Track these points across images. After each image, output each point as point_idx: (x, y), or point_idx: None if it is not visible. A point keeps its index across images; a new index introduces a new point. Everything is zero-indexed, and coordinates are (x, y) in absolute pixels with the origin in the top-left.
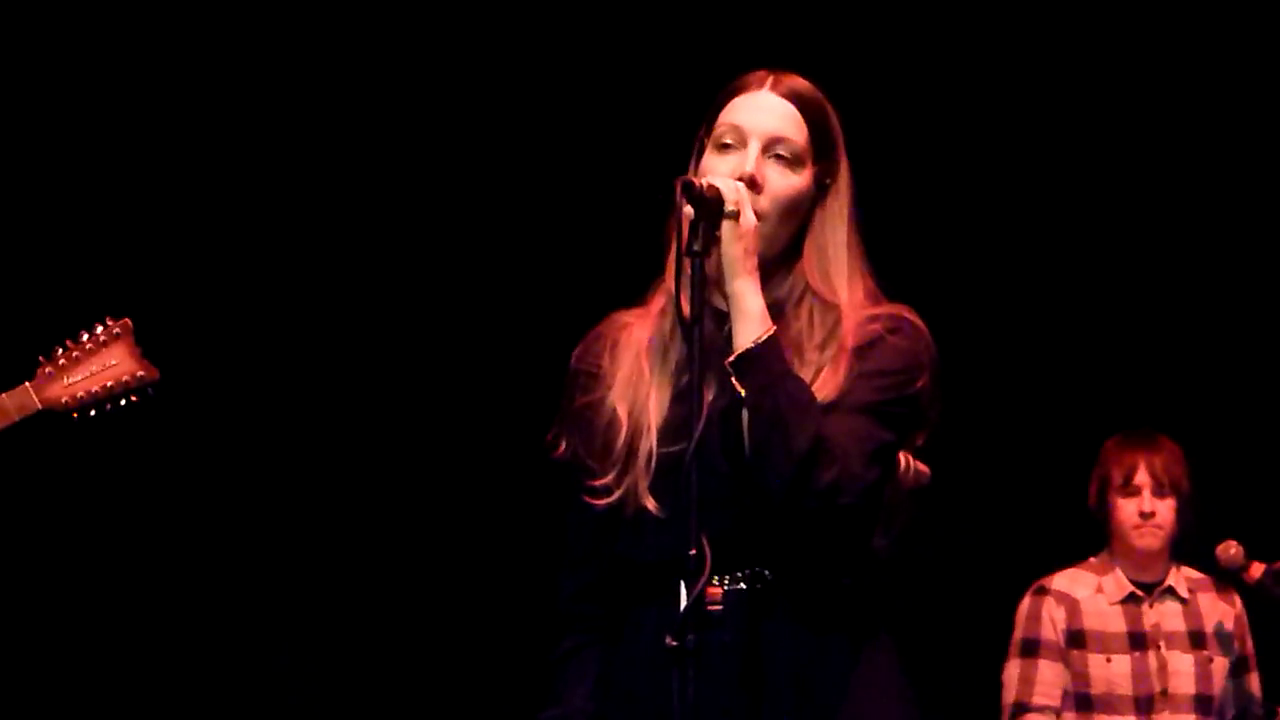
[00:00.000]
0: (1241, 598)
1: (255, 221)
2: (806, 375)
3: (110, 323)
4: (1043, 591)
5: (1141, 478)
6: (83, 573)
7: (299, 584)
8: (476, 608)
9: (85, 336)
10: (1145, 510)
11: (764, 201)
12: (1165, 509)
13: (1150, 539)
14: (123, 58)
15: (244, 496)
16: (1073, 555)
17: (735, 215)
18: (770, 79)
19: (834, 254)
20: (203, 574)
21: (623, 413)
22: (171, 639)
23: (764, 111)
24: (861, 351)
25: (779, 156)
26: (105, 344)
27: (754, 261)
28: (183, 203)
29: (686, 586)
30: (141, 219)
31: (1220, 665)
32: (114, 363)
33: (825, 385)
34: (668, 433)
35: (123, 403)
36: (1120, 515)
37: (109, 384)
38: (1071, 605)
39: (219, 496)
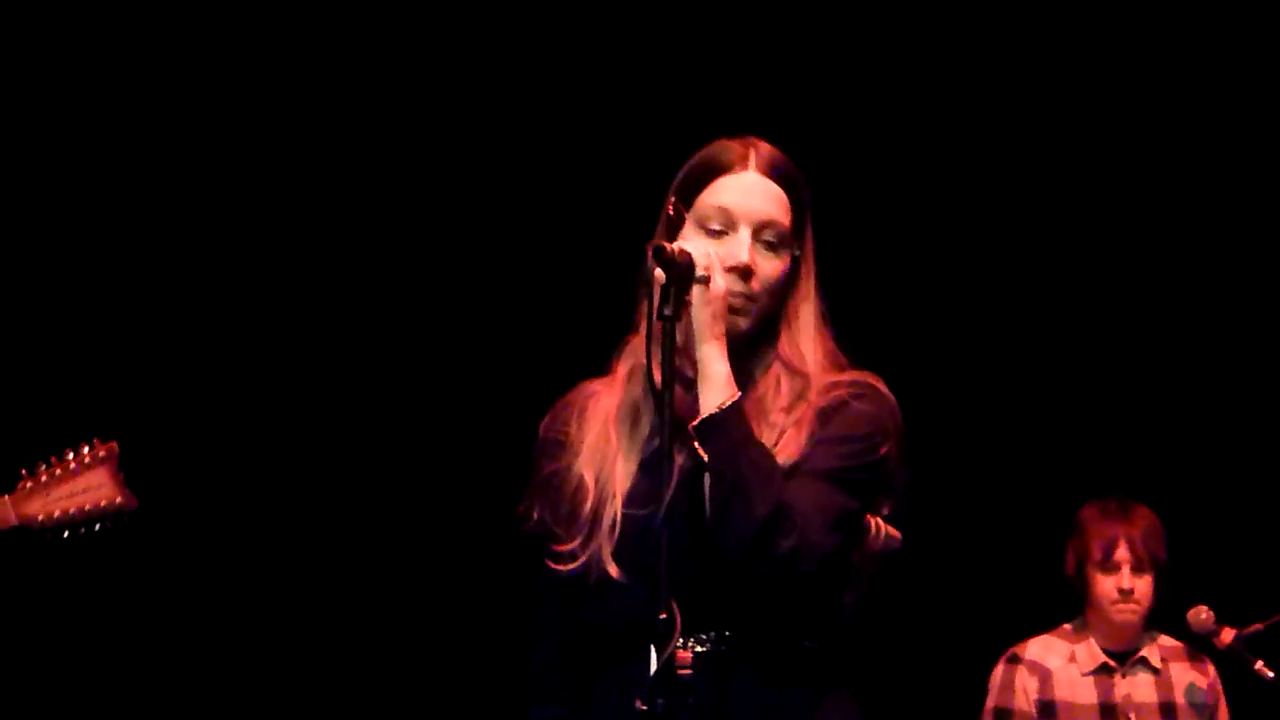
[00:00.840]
0: (1214, 663)
1: (220, 288)
2: (770, 437)
3: (97, 444)
4: (1015, 660)
5: (1121, 554)
6: (78, 579)
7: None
8: (453, 688)
9: (70, 456)
10: (1125, 588)
11: (757, 286)
12: (1144, 585)
13: (1129, 615)
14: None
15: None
16: (1046, 619)
17: (706, 280)
18: (751, 155)
19: (802, 321)
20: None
21: (589, 479)
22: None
23: (753, 195)
24: (825, 416)
25: (767, 242)
26: (89, 466)
27: (722, 327)
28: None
29: (656, 650)
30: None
31: None
32: (95, 486)
33: (788, 447)
34: (633, 499)
35: (97, 528)
36: (1099, 590)
37: (87, 507)
38: (1044, 675)
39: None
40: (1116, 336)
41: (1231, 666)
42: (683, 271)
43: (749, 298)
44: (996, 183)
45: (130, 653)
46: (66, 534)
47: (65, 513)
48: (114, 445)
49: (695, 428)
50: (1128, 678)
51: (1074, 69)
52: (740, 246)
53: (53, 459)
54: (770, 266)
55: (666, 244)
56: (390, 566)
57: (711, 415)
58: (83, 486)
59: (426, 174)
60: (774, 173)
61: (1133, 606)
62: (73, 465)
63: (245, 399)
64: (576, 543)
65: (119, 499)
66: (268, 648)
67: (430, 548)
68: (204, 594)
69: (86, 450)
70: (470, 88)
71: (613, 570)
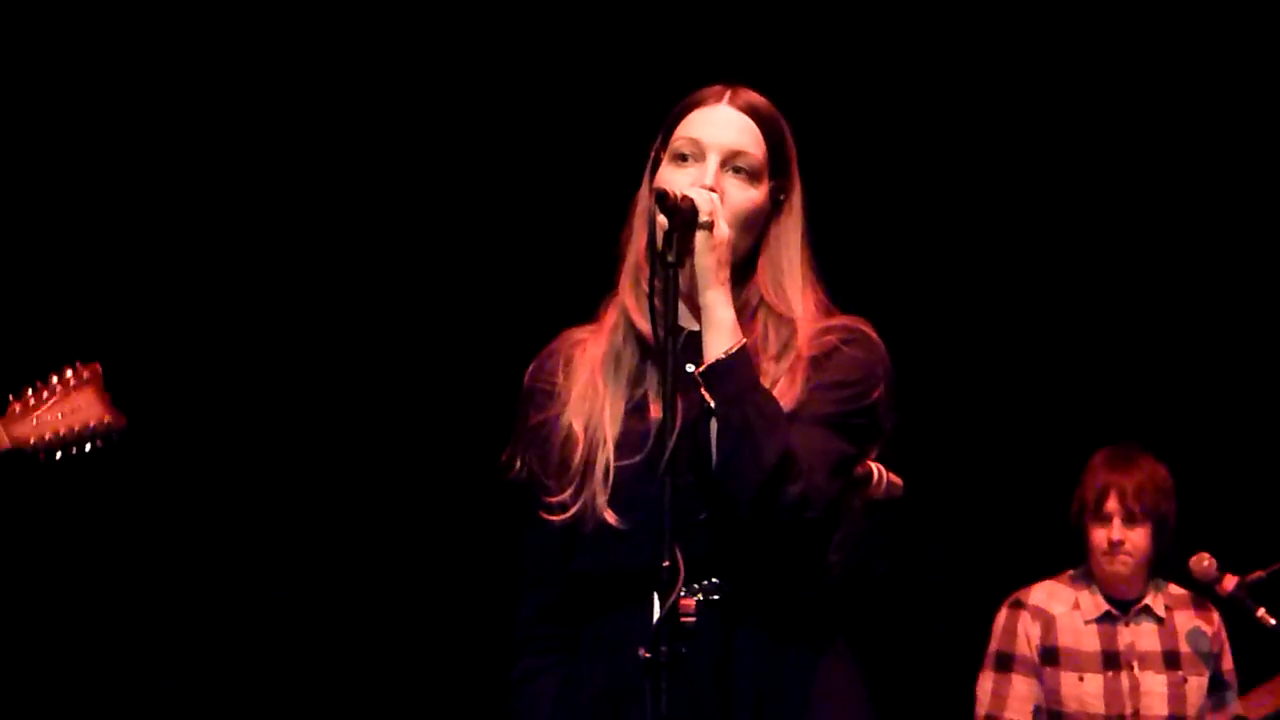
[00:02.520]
0: (1219, 611)
1: (208, 267)
2: (769, 385)
3: (80, 367)
4: (1019, 605)
5: (1112, 505)
6: (72, 581)
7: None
8: (439, 632)
9: (55, 379)
10: (1114, 539)
11: (727, 211)
12: (1137, 536)
13: (1119, 566)
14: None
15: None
16: (1054, 564)
17: (709, 226)
18: (728, 93)
19: (788, 268)
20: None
21: (578, 428)
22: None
23: (722, 125)
24: (817, 362)
25: (737, 170)
26: (75, 388)
27: (726, 273)
28: (146, 239)
29: (660, 598)
30: (107, 257)
31: (1196, 685)
32: (83, 407)
33: (782, 397)
34: (624, 446)
35: (88, 447)
36: (1092, 540)
37: (76, 428)
38: (1047, 621)
39: (195, 513)
40: (1126, 280)
41: (1235, 614)
42: (686, 217)
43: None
44: (1002, 134)
45: (123, 572)
46: (60, 454)
47: (57, 433)
48: (97, 366)
49: (703, 373)
50: (1131, 626)
51: (1059, 35)
52: (706, 173)
53: (38, 383)
54: (740, 195)
55: (670, 190)
56: (374, 513)
57: (719, 360)
58: (71, 407)
59: (411, 133)
60: (749, 108)
61: (1123, 559)
62: (59, 388)
63: (228, 330)
64: (568, 493)
65: (108, 418)
66: (253, 567)
67: (412, 493)
68: (191, 514)
69: (70, 373)
70: (446, 49)
71: (610, 518)
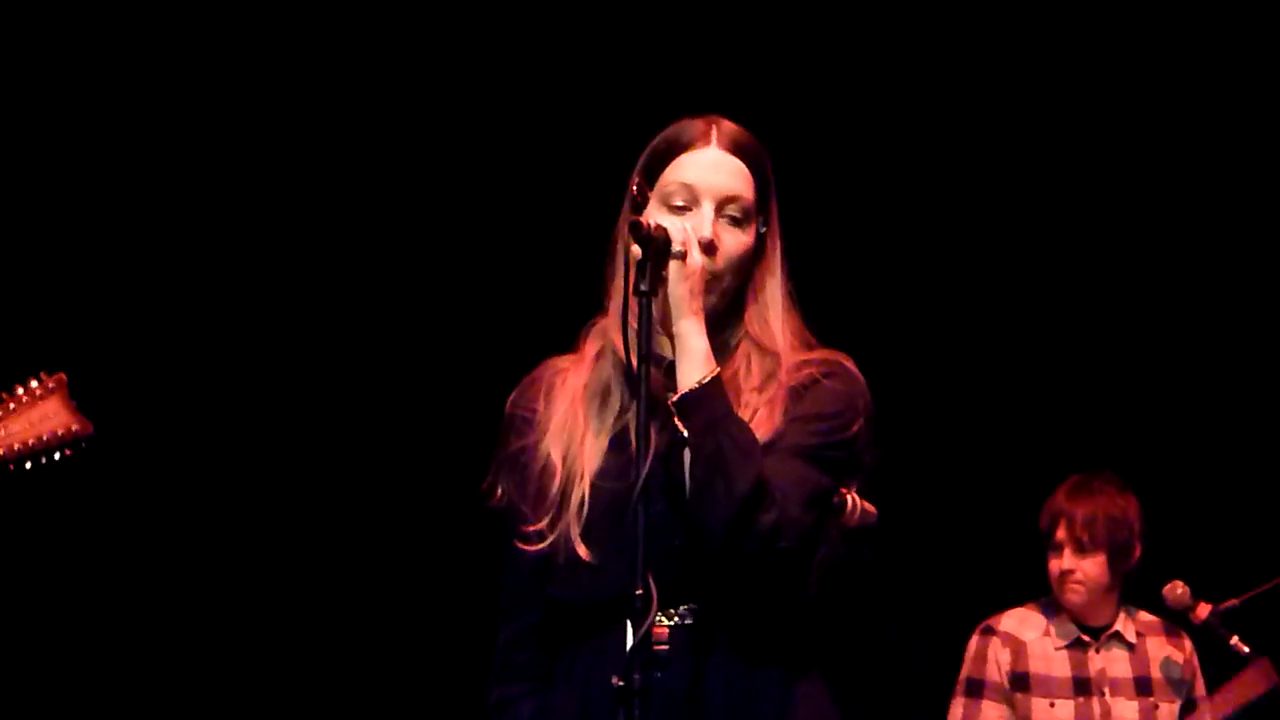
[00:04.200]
0: (1191, 639)
1: (183, 280)
2: (744, 416)
3: (45, 377)
4: (990, 632)
5: (1061, 534)
6: (42, 589)
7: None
8: (416, 656)
9: (20, 390)
10: (1064, 568)
11: (720, 263)
12: (1089, 565)
13: (1070, 595)
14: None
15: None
16: (1027, 592)
17: (682, 255)
18: (713, 131)
19: (769, 300)
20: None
21: (557, 458)
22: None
23: (715, 170)
24: (797, 394)
25: (730, 217)
26: (40, 398)
27: (699, 302)
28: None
29: (633, 626)
30: (72, 267)
31: (1167, 711)
32: (49, 416)
33: (761, 427)
34: (603, 476)
35: (57, 456)
36: (1048, 568)
37: (44, 437)
38: (1017, 647)
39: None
40: (1097, 311)
41: (1208, 642)
42: (659, 247)
43: (714, 274)
44: (966, 158)
45: (94, 580)
46: (29, 464)
47: (25, 443)
48: (62, 375)
49: (676, 403)
50: (1102, 652)
51: (1042, 45)
52: (703, 222)
53: (3, 394)
54: (734, 241)
55: (643, 220)
56: (354, 535)
57: (692, 390)
58: (38, 417)
59: (395, 154)
60: (736, 148)
61: (1073, 587)
62: (25, 398)
63: (207, 341)
64: (544, 522)
65: (75, 425)
66: (226, 574)
67: (391, 516)
68: (162, 519)
69: (35, 384)
70: (438, 66)
71: (581, 550)
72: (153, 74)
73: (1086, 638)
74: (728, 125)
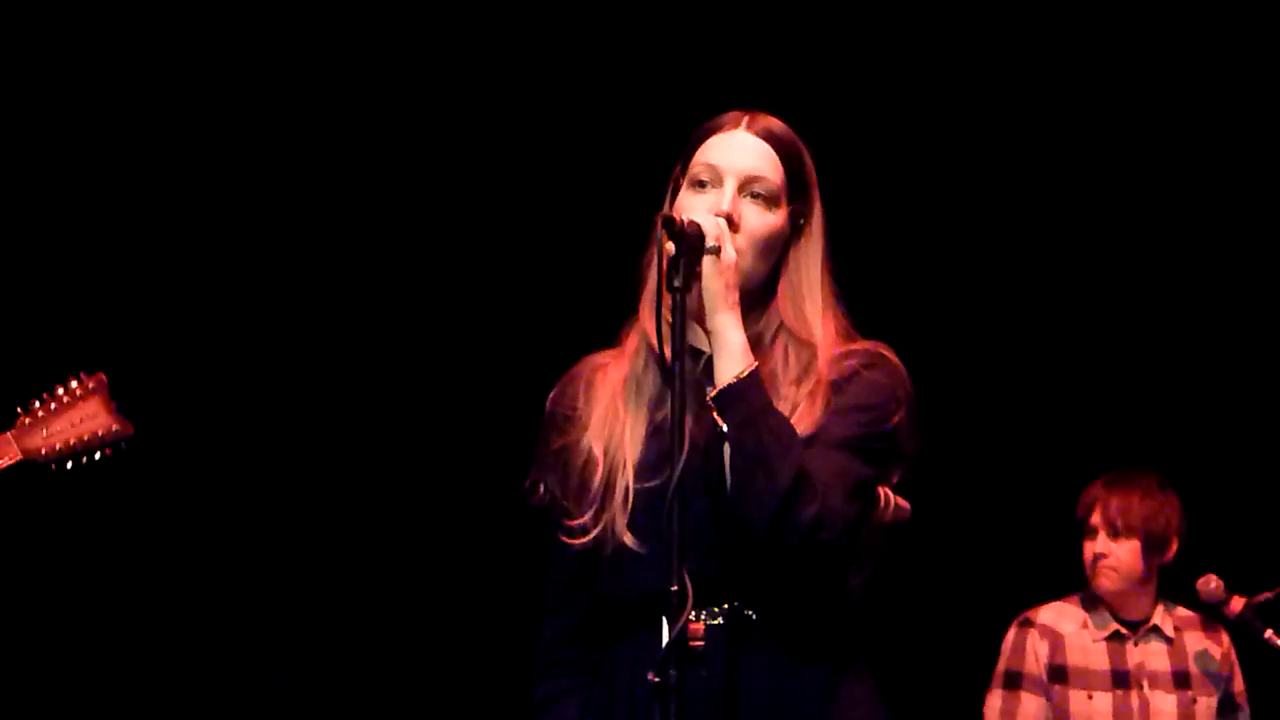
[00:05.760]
0: (1228, 633)
1: (221, 280)
2: (784, 409)
3: (85, 378)
4: (1028, 624)
5: (1096, 519)
6: (80, 584)
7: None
8: (461, 654)
9: (61, 391)
10: (1097, 551)
11: (740, 240)
12: (1123, 551)
13: (1103, 579)
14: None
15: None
16: (1067, 587)
17: (716, 250)
18: (745, 118)
19: (808, 292)
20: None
21: (599, 452)
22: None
23: (740, 150)
24: (838, 387)
25: (755, 195)
26: (81, 398)
27: (735, 296)
28: (151, 252)
29: (669, 622)
30: (114, 270)
31: (1205, 705)
32: (90, 416)
33: (802, 420)
34: (644, 469)
35: (98, 455)
36: (1083, 555)
37: (85, 437)
38: (1055, 639)
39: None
40: (1144, 304)
41: (1243, 636)
42: (693, 242)
43: (736, 250)
44: (1014, 151)
45: (131, 579)
46: (70, 464)
47: (66, 443)
48: (101, 376)
49: (714, 398)
50: (1140, 645)
51: (1083, 43)
52: (723, 198)
53: (45, 395)
54: (758, 220)
55: (676, 215)
56: (395, 536)
57: (730, 384)
58: (79, 417)
59: (433, 147)
60: (766, 134)
61: (1106, 572)
62: (65, 398)
63: (242, 345)
64: (588, 516)
65: (115, 426)
66: (262, 576)
67: (434, 516)
68: (201, 522)
69: (75, 384)
70: (476, 56)
71: (628, 541)
72: (197, 83)
73: (1125, 631)
74: (762, 115)
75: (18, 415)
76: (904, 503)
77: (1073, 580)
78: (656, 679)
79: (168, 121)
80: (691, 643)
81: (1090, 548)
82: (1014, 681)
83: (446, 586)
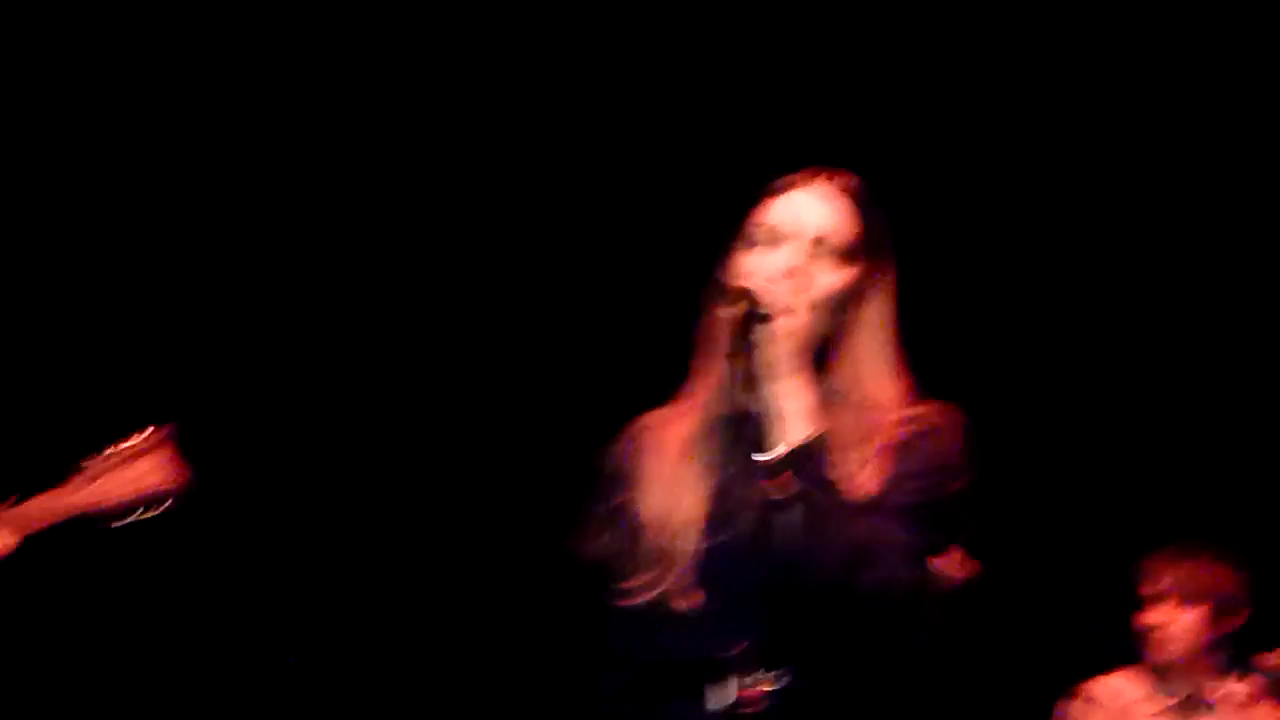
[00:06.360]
0: None
1: (273, 302)
2: (845, 474)
3: (153, 431)
4: (1084, 697)
5: (1149, 589)
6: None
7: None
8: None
9: (125, 444)
10: (1149, 622)
11: (807, 299)
12: (1181, 621)
13: (1157, 651)
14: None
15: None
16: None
17: (782, 313)
18: (818, 175)
19: (874, 353)
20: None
21: (656, 514)
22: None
23: (811, 208)
24: (902, 450)
25: (825, 253)
26: (145, 452)
27: (798, 362)
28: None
29: (725, 686)
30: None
31: None
32: (150, 471)
33: (865, 485)
34: (702, 532)
35: (153, 512)
36: (1141, 623)
37: (143, 493)
38: (1113, 714)
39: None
40: (1205, 370)
41: None
42: (758, 304)
43: (797, 308)
44: (1074, 199)
45: (196, 628)
46: (124, 520)
47: (121, 501)
48: (171, 427)
49: (778, 463)
50: (1204, 718)
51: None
52: (791, 256)
53: (107, 449)
54: (826, 280)
55: (742, 277)
56: (448, 593)
57: (792, 450)
58: (139, 472)
59: (498, 197)
60: (838, 191)
61: (1159, 640)
62: (127, 453)
63: (301, 393)
64: (646, 577)
65: (174, 481)
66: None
67: (481, 575)
68: (259, 574)
69: (140, 437)
70: (539, 111)
71: (684, 603)
72: (251, 103)
73: (1187, 701)
74: (834, 172)
75: (78, 470)
76: (974, 563)
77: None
78: None
79: (227, 147)
80: (746, 709)
81: (1148, 618)
82: None
83: (502, 648)
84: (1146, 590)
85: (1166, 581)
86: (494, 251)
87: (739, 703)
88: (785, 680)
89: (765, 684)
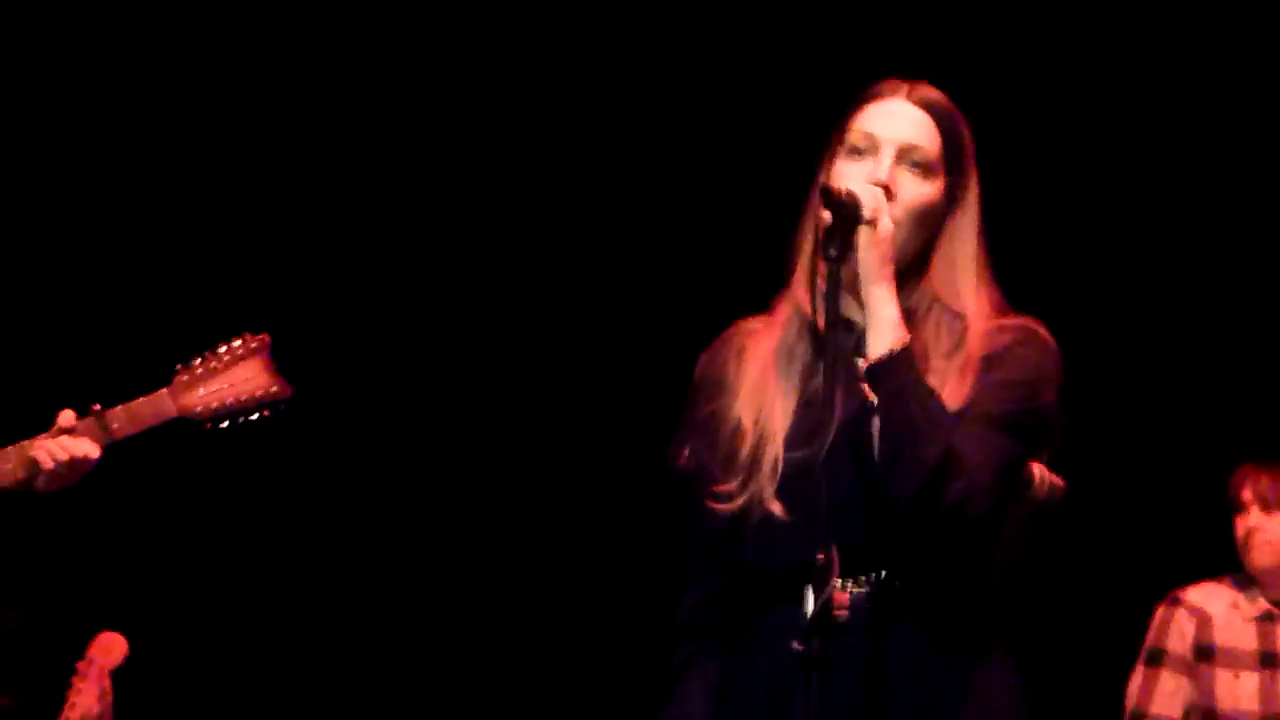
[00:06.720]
0: None
1: (374, 235)
2: (934, 382)
3: (248, 337)
4: (1176, 602)
5: (1247, 494)
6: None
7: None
8: (601, 614)
9: (223, 349)
10: (1251, 526)
11: (896, 210)
12: (1276, 525)
13: (1256, 554)
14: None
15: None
16: (1219, 569)
17: (873, 221)
18: (905, 87)
19: (962, 265)
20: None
21: (748, 420)
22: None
23: (898, 119)
24: (989, 362)
25: (913, 165)
26: (242, 358)
27: (891, 269)
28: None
29: (814, 592)
30: (280, 234)
31: None
32: (250, 376)
33: (952, 395)
34: (794, 439)
35: (255, 416)
36: (1236, 535)
37: (243, 397)
38: (1203, 619)
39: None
40: None
41: None
42: (849, 213)
43: (886, 215)
44: (1175, 135)
45: (282, 541)
46: (226, 424)
47: (223, 403)
48: (265, 337)
49: (866, 371)
50: None
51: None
52: (880, 167)
53: (206, 353)
54: (914, 190)
55: (833, 185)
56: (540, 504)
57: (883, 358)
58: (240, 377)
59: (583, 120)
60: (924, 103)
61: (1259, 545)
62: (226, 357)
63: (397, 312)
64: (736, 483)
65: (274, 388)
66: (416, 544)
67: (578, 482)
68: (355, 487)
69: (238, 343)
70: (620, 35)
71: (776, 510)
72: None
73: (1276, 611)
74: (921, 83)
75: (177, 372)
76: (1058, 480)
77: (1228, 562)
78: (801, 648)
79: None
80: (836, 611)
81: (1243, 523)
82: (1156, 659)
83: (588, 554)
84: (1236, 499)
85: (1253, 490)
86: (588, 159)
87: (829, 608)
88: (875, 585)
89: (853, 590)
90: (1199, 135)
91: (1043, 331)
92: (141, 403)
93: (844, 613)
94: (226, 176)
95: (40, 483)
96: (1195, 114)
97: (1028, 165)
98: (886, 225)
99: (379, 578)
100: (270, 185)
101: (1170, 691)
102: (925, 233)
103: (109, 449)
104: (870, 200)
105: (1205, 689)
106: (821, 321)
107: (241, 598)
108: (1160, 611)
